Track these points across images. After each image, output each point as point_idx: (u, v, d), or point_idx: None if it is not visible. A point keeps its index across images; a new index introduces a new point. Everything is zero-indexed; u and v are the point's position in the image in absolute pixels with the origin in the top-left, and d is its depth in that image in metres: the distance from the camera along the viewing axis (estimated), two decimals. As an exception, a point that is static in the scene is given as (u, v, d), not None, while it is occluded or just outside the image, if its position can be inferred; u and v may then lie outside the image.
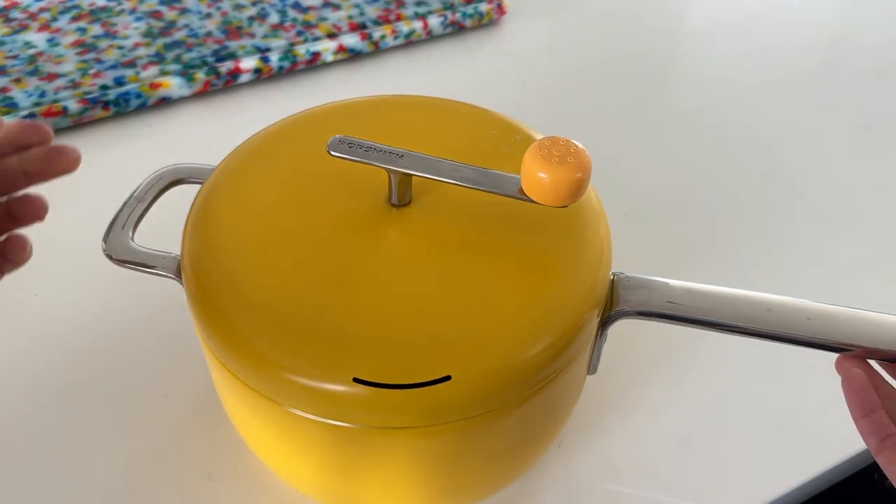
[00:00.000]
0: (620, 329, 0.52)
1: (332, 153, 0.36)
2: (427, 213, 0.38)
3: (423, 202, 0.38)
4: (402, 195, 0.37)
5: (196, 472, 0.44)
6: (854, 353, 0.34)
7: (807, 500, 0.47)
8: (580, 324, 0.35)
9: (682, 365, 0.51)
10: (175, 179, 0.43)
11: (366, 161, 0.36)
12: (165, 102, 0.68)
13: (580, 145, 0.33)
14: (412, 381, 0.31)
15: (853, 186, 0.65)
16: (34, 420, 0.46)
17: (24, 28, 0.72)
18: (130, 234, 0.39)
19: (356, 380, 0.31)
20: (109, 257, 0.38)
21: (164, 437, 0.45)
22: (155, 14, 0.75)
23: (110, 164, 0.63)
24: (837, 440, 0.46)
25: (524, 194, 0.34)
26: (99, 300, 0.52)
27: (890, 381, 0.34)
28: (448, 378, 0.31)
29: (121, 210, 0.40)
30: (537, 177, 0.32)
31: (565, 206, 0.33)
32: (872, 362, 0.35)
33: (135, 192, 0.41)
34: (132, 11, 0.75)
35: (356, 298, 0.34)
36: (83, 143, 0.64)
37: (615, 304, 0.37)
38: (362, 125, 0.41)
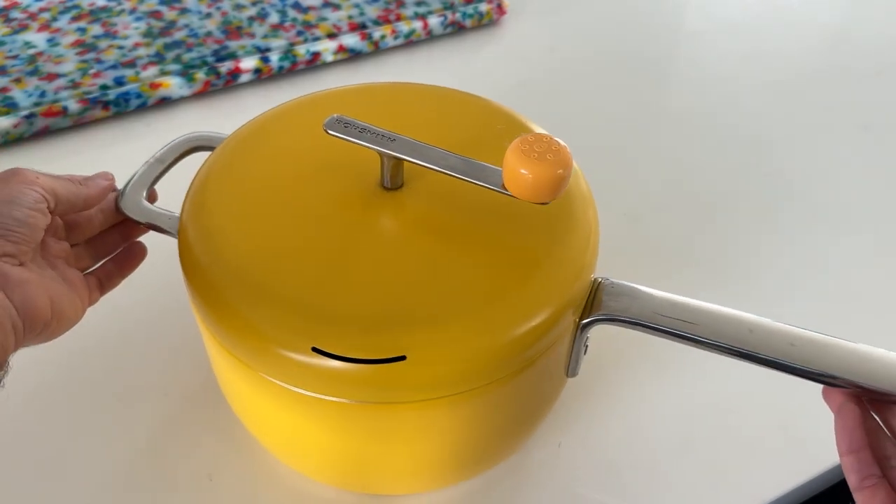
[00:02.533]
0: (619, 331, 0.52)
1: (328, 131, 0.37)
2: (417, 198, 0.38)
3: (415, 187, 0.39)
4: (393, 178, 0.38)
5: (196, 472, 0.44)
6: (841, 388, 0.34)
7: (807, 499, 0.47)
8: (548, 321, 0.35)
9: (683, 365, 0.51)
10: (195, 146, 0.45)
11: (358, 142, 0.37)
12: (165, 102, 0.68)
13: (562, 143, 0.33)
14: (367, 357, 0.32)
15: (853, 186, 0.65)
16: (34, 420, 0.46)
17: (24, 28, 0.72)
18: (145, 193, 0.41)
19: (315, 349, 0.32)
20: (122, 213, 0.40)
21: (164, 437, 0.45)
22: (155, 14, 0.75)
23: (110, 164, 0.63)
24: (837, 440, 0.46)
25: (507, 189, 0.34)
26: (99, 300, 0.52)
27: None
28: (403, 358, 0.32)
29: (140, 170, 0.42)
30: (518, 173, 0.33)
31: (546, 203, 0.34)
32: None
33: (156, 153, 0.43)
34: (132, 11, 0.75)
35: (335, 274, 0.35)
36: (83, 143, 0.65)
37: (596, 308, 0.37)
38: (371, 110, 0.42)
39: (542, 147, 0.32)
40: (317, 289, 0.34)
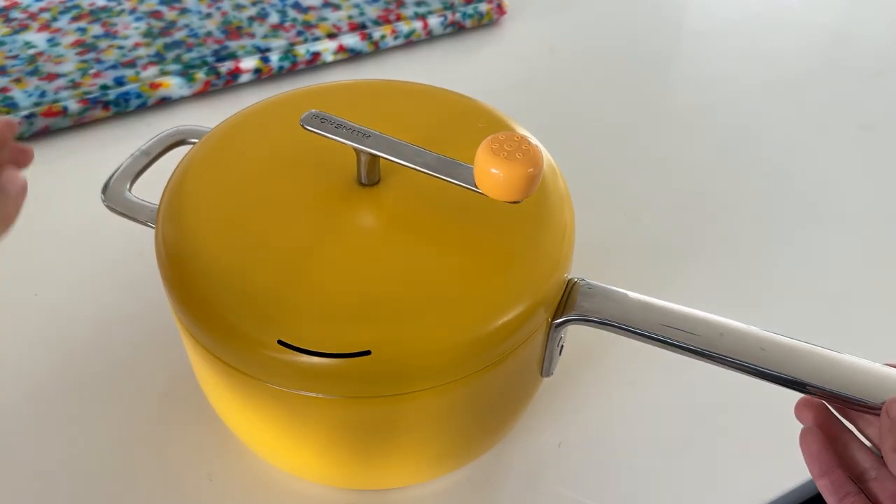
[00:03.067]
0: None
1: (305, 126, 0.37)
2: (392, 194, 0.38)
3: (391, 183, 0.39)
4: (370, 175, 0.38)
5: (196, 473, 0.44)
6: (810, 399, 0.34)
7: (806, 500, 0.47)
8: (518, 319, 0.35)
9: (681, 364, 0.51)
10: (181, 139, 0.45)
11: (334, 137, 0.37)
12: (165, 102, 0.68)
13: (534, 141, 0.33)
14: (332, 351, 0.32)
15: (853, 186, 0.65)
16: (33, 421, 0.46)
17: (24, 28, 0.72)
18: (128, 185, 0.42)
19: (280, 342, 0.32)
20: (108, 206, 0.41)
21: (163, 438, 0.45)
22: (155, 14, 0.75)
23: (110, 164, 0.63)
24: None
25: (478, 187, 0.34)
26: (99, 301, 0.52)
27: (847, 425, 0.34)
28: (367, 353, 0.32)
29: (126, 162, 0.43)
30: (488, 171, 0.33)
31: (517, 202, 0.33)
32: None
33: (142, 146, 0.44)
34: (132, 11, 0.75)
35: (307, 269, 0.35)
36: (83, 143, 0.65)
37: (569, 308, 0.37)
38: (353, 106, 0.42)
39: (512, 146, 0.32)
40: (288, 283, 0.34)
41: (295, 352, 0.32)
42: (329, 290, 0.34)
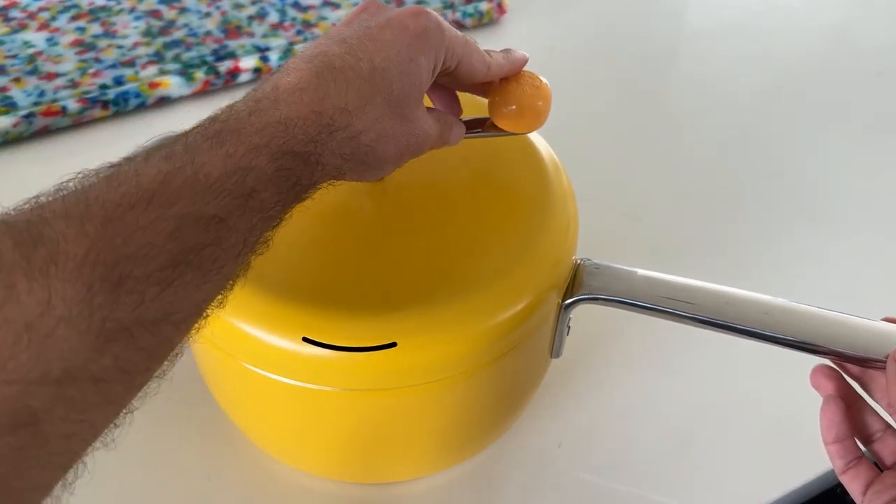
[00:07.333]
0: (621, 329, 0.52)
1: None
2: (399, 189, 0.39)
3: (398, 178, 0.39)
4: None
5: (196, 473, 0.44)
6: (826, 370, 0.35)
7: (807, 500, 0.47)
8: (533, 303, 0.35)
9: (683, 365, 0.51)
10: None
11: None
12: (165, 102, 0.68)
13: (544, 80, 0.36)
14: (358, 345, 0.32)
15: (853, 186, 0.65)
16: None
17: (23, 27, 0.72)
18: None
19: (305, 339, 0.32)
20: None
21: (163, 438, 0.45)
22: (154, 13, 0.75)
23: (110, 163, 0.63)
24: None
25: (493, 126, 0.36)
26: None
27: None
28: (393, 345, 0.32)
29: None
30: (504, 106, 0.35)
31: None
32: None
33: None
34: (131, 11, 0.75)
35: (323, 265, 0.35)
36: (82, 144, 0.64)
37: (577, 288, 0.38)
38: None
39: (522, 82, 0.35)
40: (305, 280, 0.34)
41: (321, 348, 0.32)
42: (348, 285, 0.34)
